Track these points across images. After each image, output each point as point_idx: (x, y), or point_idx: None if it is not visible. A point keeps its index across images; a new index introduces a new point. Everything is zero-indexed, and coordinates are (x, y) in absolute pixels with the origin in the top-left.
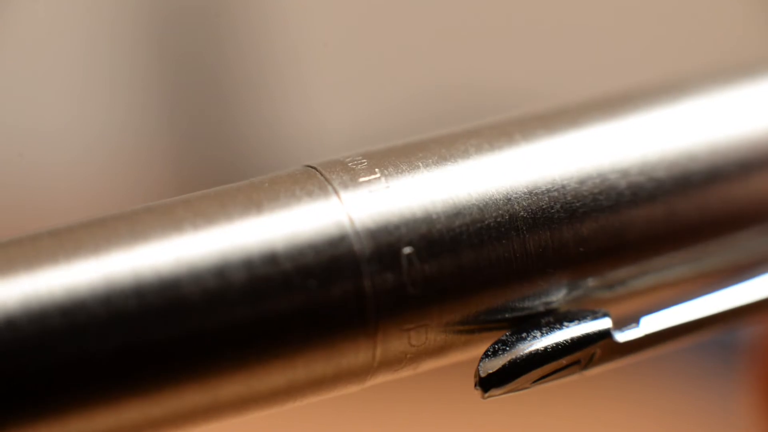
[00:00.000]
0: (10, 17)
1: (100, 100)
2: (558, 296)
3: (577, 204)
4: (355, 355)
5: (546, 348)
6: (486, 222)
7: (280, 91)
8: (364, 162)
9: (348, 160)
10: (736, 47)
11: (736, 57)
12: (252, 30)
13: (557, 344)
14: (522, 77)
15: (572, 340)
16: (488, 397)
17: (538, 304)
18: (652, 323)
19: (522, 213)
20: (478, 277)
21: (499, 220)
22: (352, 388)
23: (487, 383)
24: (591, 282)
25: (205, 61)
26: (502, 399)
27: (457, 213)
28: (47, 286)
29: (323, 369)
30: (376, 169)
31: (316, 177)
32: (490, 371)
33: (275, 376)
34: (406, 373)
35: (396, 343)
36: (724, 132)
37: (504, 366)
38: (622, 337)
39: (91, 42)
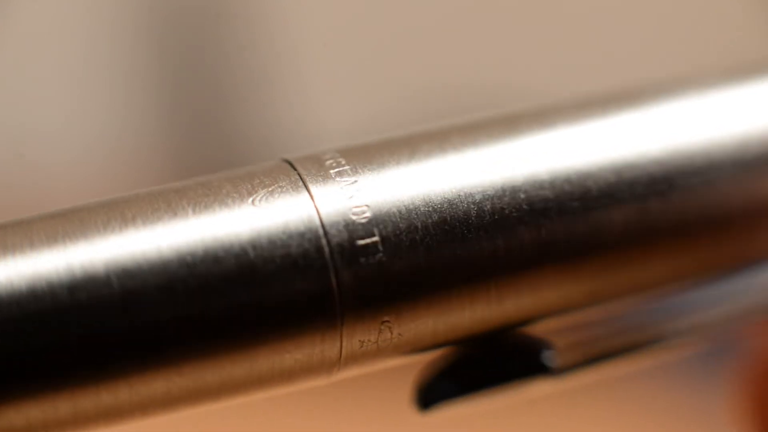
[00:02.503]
0: (10, 17)
1: (100, 100)
2: (516, 306)
3: (549, 204)
4: (321, 348)
5: (489, 373)
6: (455, 220)
7: (279, 91)
8: (338, 157)
9: (323, 154)
10: (735, 47)
11: (733, 57)
12: (252, 29)
13: (500, 370)
14: (522, 76)
15: (513, 372)
16: (427, 412)
17: (498, 313)
18: (591, 352)
19: (489, 212)
20: (444, 275)
21: (468, 218)
22: (319, 381)
23: (426, 400)
24: (549, 295)
25: (204, 61)
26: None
27: (426, 210)
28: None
29: (289, 361)
30: (349, 165)
31: (289, 171)
32: (429, 389)
33: (240, 366)
34: (372, 367)
35: (361, 338)
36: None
37: (445, 385)
38: (561, 373)
39: (91, 42)
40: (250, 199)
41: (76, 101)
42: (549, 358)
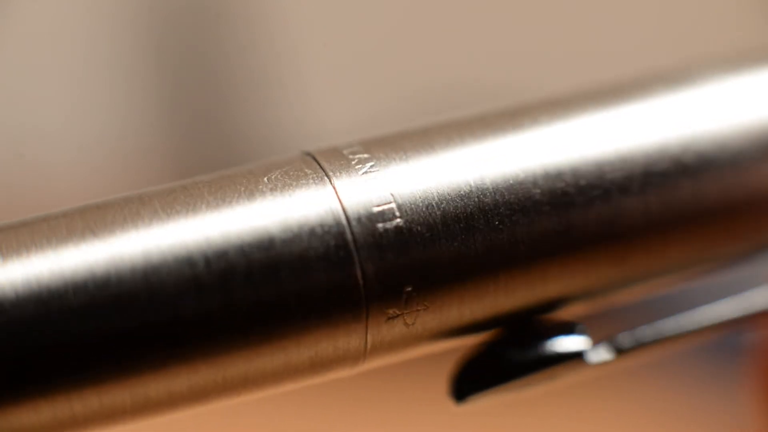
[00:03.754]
0: (10, 17)
1: (100, 100)
2: (547, 294)
3: (572, 193)
4: (347, 339)
5: (523, 360)
6: (477, 208)
7: (279, 91)
8: (360, 150)
9: (344, 147)
10: (732, 42)
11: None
12: (252, 29)
13: (534, 358)
14: (522, 76)
15: (548, 356)
16: (463, 404)
17: (527, 302)
18: (626, 341)
19: (511, 201)
20: (469, 266)
21: (489, 206)
22: (346, 372)
23: (462, 390)
24: (582, 282)
25: (205, 61)
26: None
27: (449, 198)
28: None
29: (315, 352)
30: (371, 157)
31: (312, 164)
32: (466, 379)
33: (269, 357)
34: (397, 358)
35: (386, 328)
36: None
37: (480, 375)
38: (595, 356)
39: (91, 42)
40: (269, 187)
41: (76, 101)
42: (583, 344)
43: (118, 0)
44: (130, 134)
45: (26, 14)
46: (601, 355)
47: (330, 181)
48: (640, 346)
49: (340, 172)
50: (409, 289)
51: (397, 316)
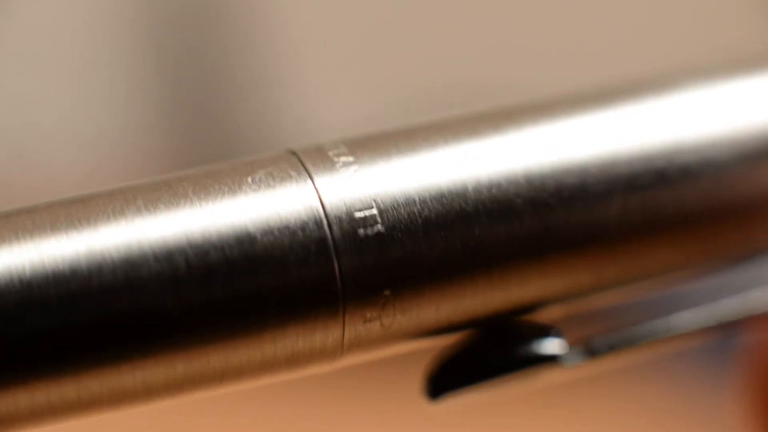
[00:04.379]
0: (10, 17)
1: (100, 100)
2: (524, 298)
3: (550, 193)
4: (324, 335)
5: (498, 361)
6: (457, 208)
7: (279, 90)
8: (345, 151)
9: (329, 147)
10: (731, 43)
11: (729, 53)
12: (252, 29)
13: (509, 359)
14: (522, 75)
15: (522, 358)
16: (436, 402)
17: (504, 305)
18: (601, 345)
19: (491, 200)
20: (448, 271)
21: (469, 206)
22: (324, 368)
23: (436, 389)
24: (559, 287)
25: (204, 61)
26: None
27: (429, 199)
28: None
29: (292, 348)
30: (355, 159)
31: (296, 165)
32: (440, 377)
33: (246, 353)
34: (375, 354)
35: (363, 329)
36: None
37: (454, 374)
38: (570, 359)
39: (91, 42)
40: (252, 187)
41: (75, 101)
42: (558, 347)
43: (118, 0)
44: (131, 134)
45: (26, 14)
46: (575, 358)
47: (313, 183)
48: (614, 349)
49: (324, 174)
50: (387, 292)
51: (375, 318)
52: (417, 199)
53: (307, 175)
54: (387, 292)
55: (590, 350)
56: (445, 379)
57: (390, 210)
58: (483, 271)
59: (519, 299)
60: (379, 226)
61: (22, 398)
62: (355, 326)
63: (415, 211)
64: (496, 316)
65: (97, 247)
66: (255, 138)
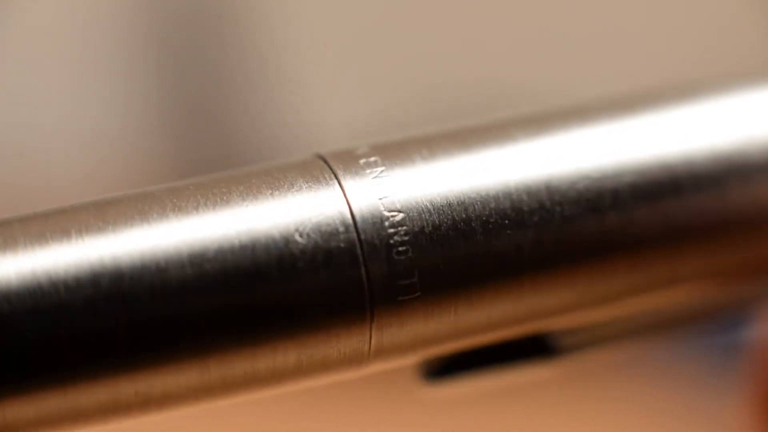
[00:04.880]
0: (10, 17)
1: (100, 100)
2: (552, 304)
3: (575, 204)
4: (350, 341)
5: (493, 352)
6: (484, 215)
7: (280, 90)
8: (370, 152)
9: (355, 149)
10: (737, 50)
11: (735, 58)
12: (252, 28)
13: (503, 351)
14: (523, 74)
15: (516, 351)
16: (431, 385)
17: (532, 310)
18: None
19: (518, 209)
20: (472, 270)
21: (497, 214)
22: (350, 374)
23: (431, 373)
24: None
25: (205, 60)
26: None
27: (457, 205)
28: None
29: (318, 354)
30: (381, 160)
31: (321, 165)
32: (434, 363)
33: (272, 357)
34: (403, 361)
35: (390, 332)
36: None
37: (450, 360)
38: (564, 354)
39: (91, 42)
40: (283, 193)
41: (75, 101)
42: (552, 339)
43: (118, 0)
44: (130, 134)
45: (26, 14)
46: (569, 349)
47: (341, 188)
48: (607, 340)
49: (352, 179)
50: (416, 297)
51: (402, 323)
52: (446, 203)
53: (335, 180)
54: (415, 298)
55: (583, 343)
56: (441, 364)
57: (419, 214)
58: (513, 276)
59: (547, 307)
60: (408, 231)
61: (54, 401)
62: (383, 332)
63: (445, 216)
64: (524, 322)
65: (126, 252)
66: (255, 136)
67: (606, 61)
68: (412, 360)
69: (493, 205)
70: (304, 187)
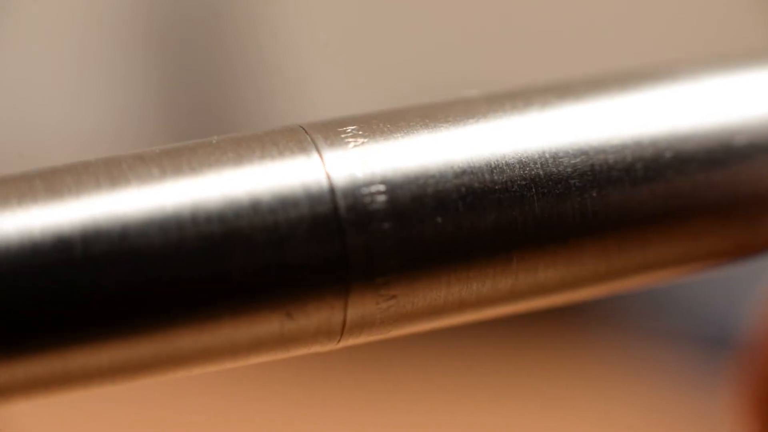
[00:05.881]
0: (10, 16)
1: (99, 99)
2: (531, 281)
3: (568, 177)
4: (324, 313)
5: None
6: (469, 190)
7: (280, 90)
8: (352, 124)
9: (337, 121)
10: (730, 38)
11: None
12: (252, 25)
13: None
14: (521, 75)
15: None
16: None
17: (514, 288)
18: None
19: (503, 182)
20: (455, 245)
21: (483, 187)
22: (324, 347)
23: None
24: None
25: (204, 60)
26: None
27: (440, 178)
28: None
29: (292, 326)
30: (362, 131)
31: (301, 134)
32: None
33: (245, 329)
34: (377, 336)
35: (366, 305)
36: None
37: None
38: None
39: (90, 40)
40: (259, 160)
41: (75, 99)
42: None
43: None
44: (130, 134)
45: (25, 13)
46: None
47: (320, 157)
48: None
49: (332, 149)
50: (394, 272)
51: (379, 298)
52: (427, 176)
53: (314, 149)
54: (394, 273)
55: None
56: None
57: (399, 187)
58: (494, 253)
59: (527, 286)
60: (387, 199)
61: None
62: (358, 302)
63: (426, 189)
64: (512, 301)
65: (98, 214)
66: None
67: (606, 60)
68: (390, 336)
69: (482, 177)
70: (282, 155)
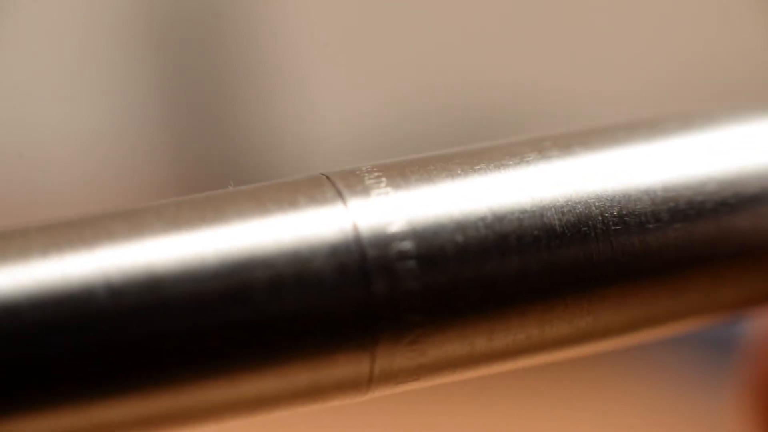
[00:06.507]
0: (10, 16)
1: (100, 100)
2: (562, 334)
3: (592, 226)
4: (351, 366)
5: None
6: (493, 239)
7: (280, 91)
8: (376, 172)
9: (360, 169)
10: (731, 41)
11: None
12: (252, 27)
13: None
14: (522, 75)
15: None
16: None
17: (541, 338)
18: None
19: (529, 232)
20: (480, 295)
21: (507, 238)
22: (352, 399)
23: None
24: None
25: (204, 61)
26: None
27: (465, 228)
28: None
29: (319, 377)
30: (387, 180)
31: (325, 183)
32: None
33: (271, 379)
34: (407, 387)
35: (394, 356)
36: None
37: None
38: None
39: (91, 41)
40: (286, 212)
41: (75, 100)
42: None
43: None
44: (131, 134)
45: (25, 13)
46: None
47: (345, 204)
48: None
49: (357, 198)
50: (421, 322)
51: (407, 349)
52: (453, 225)
53: (340, 199)
54: (420, 322)
55: None
56: None
57: (425, 237)
58: (522, 303)
59: (556, 336)
60: (413, 248)
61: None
62: (386, 354)
63: (451, 238)
64: (533, 351)
65: (125, 268)
66: (254, 137)
67: (606, 60)
68: (418, 387)
69: (503, 227)
70: (308, 206)
